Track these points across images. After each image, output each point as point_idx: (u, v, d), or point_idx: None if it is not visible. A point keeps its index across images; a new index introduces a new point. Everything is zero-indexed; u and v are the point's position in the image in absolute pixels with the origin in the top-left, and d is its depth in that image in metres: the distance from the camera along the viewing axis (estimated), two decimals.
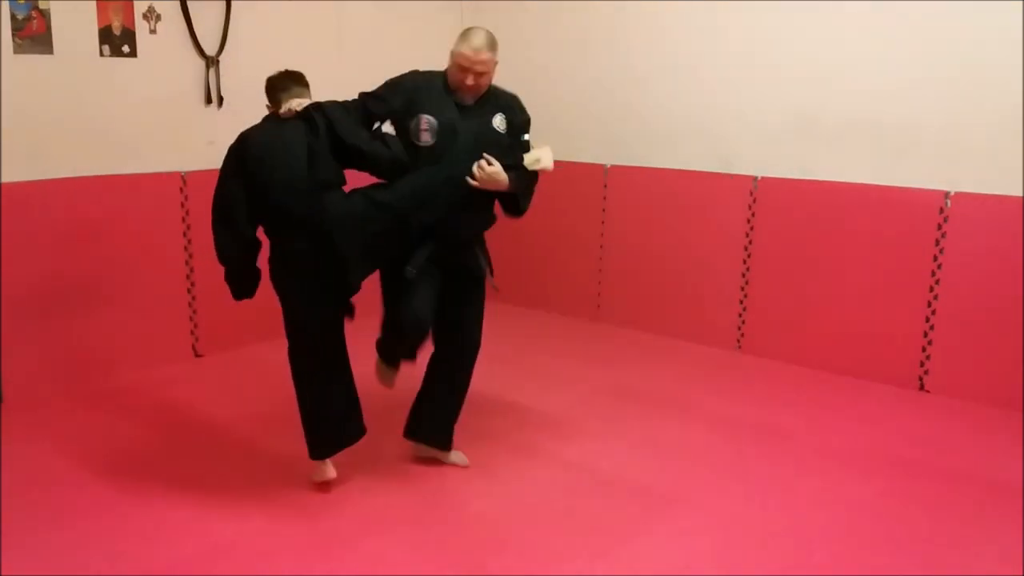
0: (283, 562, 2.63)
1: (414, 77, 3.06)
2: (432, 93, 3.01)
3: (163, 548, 2.69)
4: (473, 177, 2.96)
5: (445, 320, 3.17)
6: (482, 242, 3.24)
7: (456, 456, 3.29)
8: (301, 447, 3.06)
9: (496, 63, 3.02)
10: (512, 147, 3.09)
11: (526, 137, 3.17)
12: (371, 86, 3.18)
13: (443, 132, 2.98)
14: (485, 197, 3.05)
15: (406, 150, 2.98)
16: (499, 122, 3.08)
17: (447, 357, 3.25)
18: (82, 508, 2.92)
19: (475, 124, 3.03)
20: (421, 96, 3.00)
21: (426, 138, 2.98)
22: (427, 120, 2.97)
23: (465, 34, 2.98)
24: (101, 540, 2.72)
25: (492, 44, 2.98)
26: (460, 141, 2.99)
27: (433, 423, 3.26)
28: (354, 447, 3.12)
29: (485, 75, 2.99)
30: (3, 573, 2.53)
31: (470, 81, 2.96)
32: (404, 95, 3.00)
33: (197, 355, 4.46)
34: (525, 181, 3.08)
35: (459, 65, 2.95)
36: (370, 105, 3.01)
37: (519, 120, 3.15)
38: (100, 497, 3.00)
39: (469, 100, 3.02)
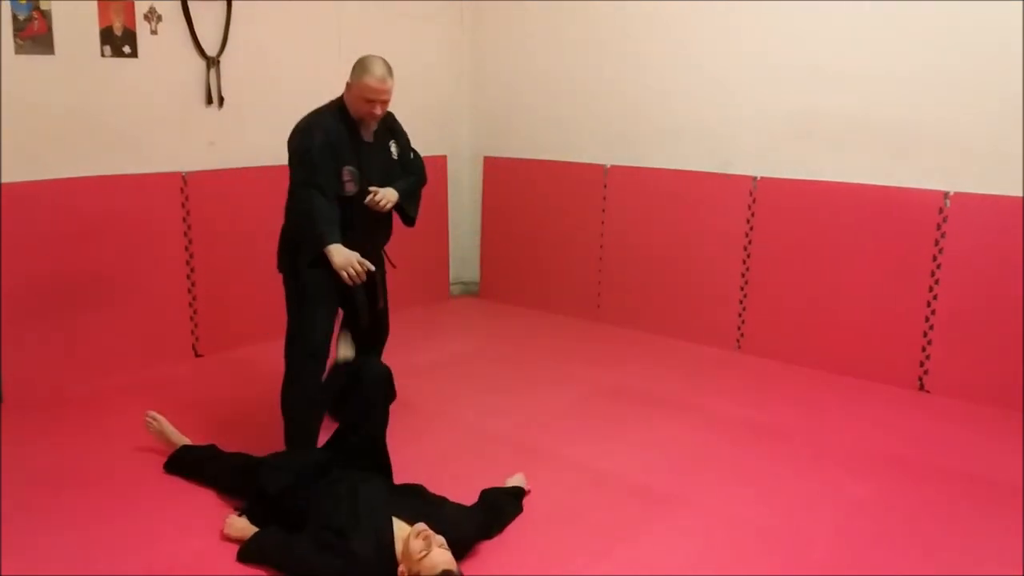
0: None
1: (322, 123, 3.07)
2: (342, 137, 3.07)
3: (164, 548, 2.69)
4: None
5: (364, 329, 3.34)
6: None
7: None
8: None
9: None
10: (404, 168, 3.33)
11: (412, 155, 3.39)
12: None
13: (362, 178, 3.11)
14: (386, 216, 3.28)
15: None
16: (394, 150, 3.27)
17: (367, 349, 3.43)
18: (83, 509, 2.92)
19: (379, 160, 3.20)
20: (336, 144, 3.05)
21: (351, 188, 3.10)
22: (349, 171, 3.08)
23: (364, 65, 3.03)
24: (102, 541, 2.72)
25: (391, 71, 3.08)
26: (376, 183, 3.15)
27: None
28: None
29: (388, 103, 3.11)
30: (3, 573, 2.53)
31: (378, 111, 3.06)
32: (325, 145, 3.03)
33: (197, 355, 4.47)
34: (410, 189, 3.32)
35: (365, 98, 3.03)
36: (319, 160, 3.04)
37: (404, 140, 3.35)
38: (101, 498, 3.00)
39: (372, 129, 3.15)
